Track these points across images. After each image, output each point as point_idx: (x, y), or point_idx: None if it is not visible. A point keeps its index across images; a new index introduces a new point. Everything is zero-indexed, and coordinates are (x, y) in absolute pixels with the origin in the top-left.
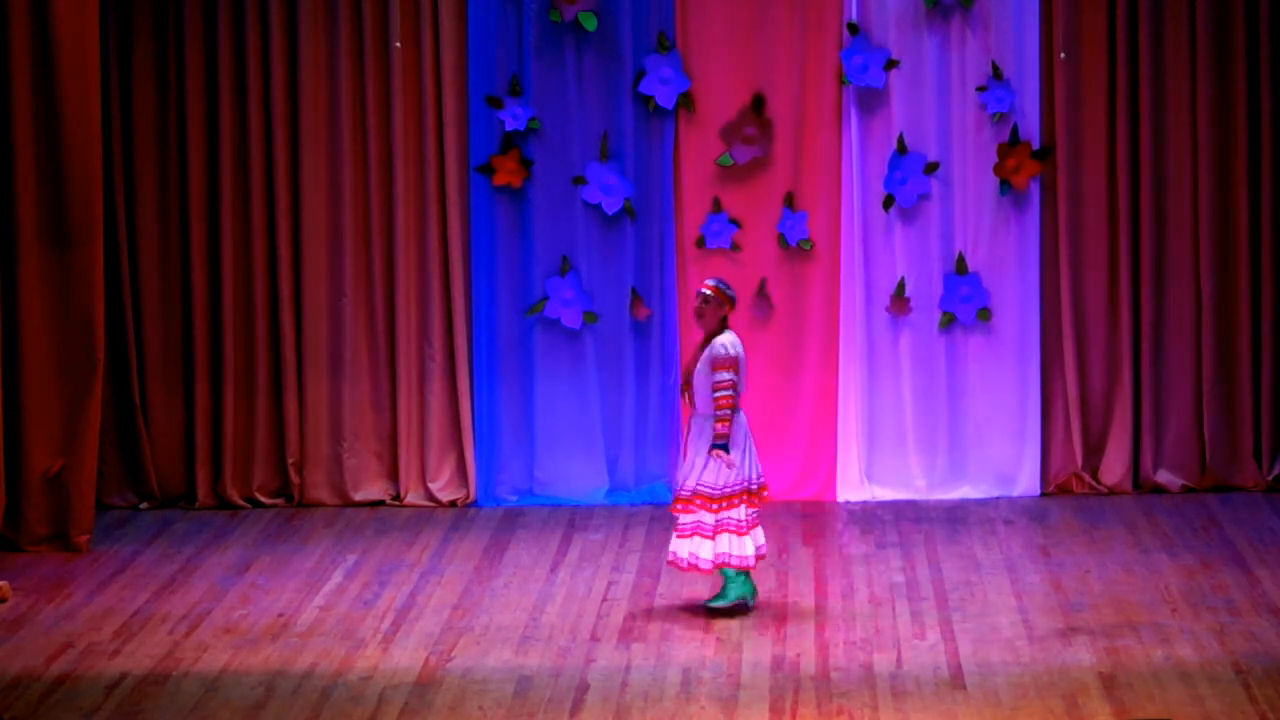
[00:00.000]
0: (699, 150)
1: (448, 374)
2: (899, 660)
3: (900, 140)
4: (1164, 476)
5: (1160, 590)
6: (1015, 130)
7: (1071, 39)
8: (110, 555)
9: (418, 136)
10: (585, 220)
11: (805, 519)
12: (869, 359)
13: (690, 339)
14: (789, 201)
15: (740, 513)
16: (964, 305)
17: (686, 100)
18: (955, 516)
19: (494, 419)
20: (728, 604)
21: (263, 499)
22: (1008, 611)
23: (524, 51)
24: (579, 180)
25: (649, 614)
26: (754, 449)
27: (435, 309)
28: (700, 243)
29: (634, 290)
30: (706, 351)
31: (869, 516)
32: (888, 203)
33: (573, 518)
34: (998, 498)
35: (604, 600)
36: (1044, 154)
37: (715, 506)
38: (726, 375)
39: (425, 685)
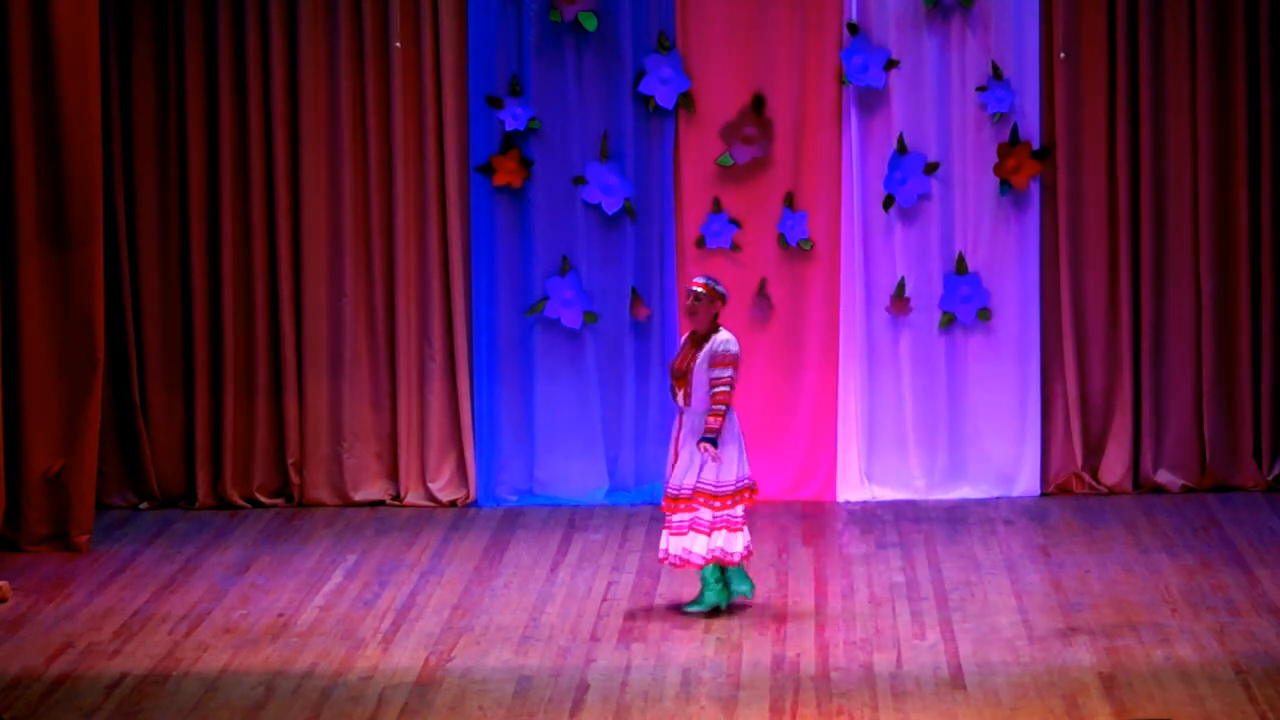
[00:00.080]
0: (699, 150)
1: (448, 374)
2: (899, 660)
3: (900, 140)
4: (1164, 476)
5: (1160, 590)
6: (1015, 130)
7: (1071, 39)
8: (110, 555)
9: (418, 136)
10: (585, 220)
11: (805, 519)
12: (869, 359)
13: None
14: (789, 201)
15: (739, 510)
16: (964, 305)
17: (686, 100)
18: (955, 516)
19: (494, 419)
20: (704, 609)
21: (263, 499)
22: (1008, 611)
23: (524, 51)
24: (579, 180)
25: (649, 614)
26: (744, 447)
27: (435, 309)
28: (700, 243)
29: (634, 290)
30: (706, 348)
31: (869, 516)
32: (888, 203)
33: (573, 518)
34: (998, 498)
35: (604, 600)
36: (1044, 154)
37: (718, 504)
38: (728, 372)
39: (425, 685)
